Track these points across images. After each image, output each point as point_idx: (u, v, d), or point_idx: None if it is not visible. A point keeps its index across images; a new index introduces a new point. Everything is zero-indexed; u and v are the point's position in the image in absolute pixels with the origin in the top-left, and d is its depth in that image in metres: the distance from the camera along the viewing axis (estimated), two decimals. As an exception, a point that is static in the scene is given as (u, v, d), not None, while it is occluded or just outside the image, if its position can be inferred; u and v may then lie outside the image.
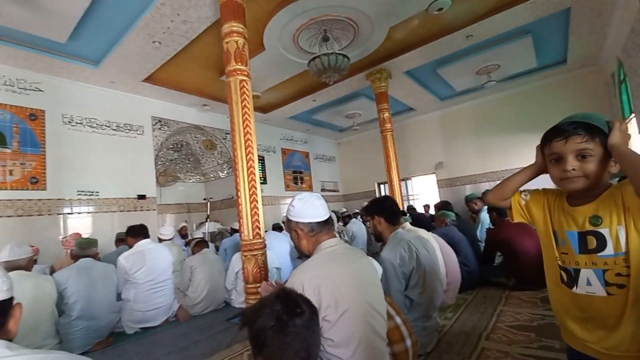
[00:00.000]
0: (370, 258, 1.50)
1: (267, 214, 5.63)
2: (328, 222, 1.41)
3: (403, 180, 8.02)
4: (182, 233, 6.36)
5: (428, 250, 2.18)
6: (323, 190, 9.33)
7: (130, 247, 3.27)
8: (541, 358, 1.85)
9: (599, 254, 0.97)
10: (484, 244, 3.74)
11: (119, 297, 3.09)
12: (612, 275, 0.96)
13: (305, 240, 1.39)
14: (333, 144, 10.16)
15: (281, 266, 3.87)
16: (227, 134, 6.86)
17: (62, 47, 4.01)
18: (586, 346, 1.03)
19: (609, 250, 0.95)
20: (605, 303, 0.97)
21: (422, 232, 2.47)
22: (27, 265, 2.52)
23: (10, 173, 4.13)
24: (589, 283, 1.00)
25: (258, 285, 2.83)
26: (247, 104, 3.05)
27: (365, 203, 2.56)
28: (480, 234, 4.45)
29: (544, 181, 1.21)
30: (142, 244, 3.23)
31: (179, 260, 4.00)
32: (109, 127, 5.13)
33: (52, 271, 3.38)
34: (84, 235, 4.01)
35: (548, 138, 1.03)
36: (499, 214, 3.48)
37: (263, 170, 7.61)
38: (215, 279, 3.57)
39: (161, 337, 2.88)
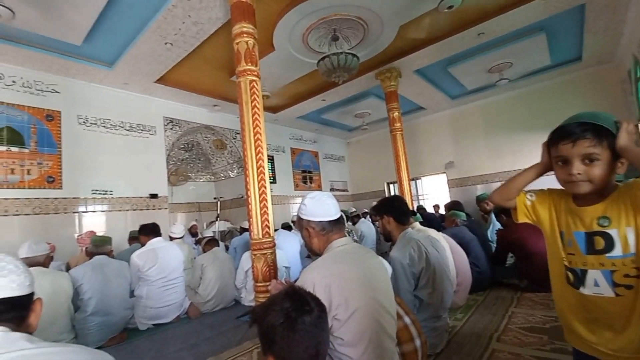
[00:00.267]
0: (381, 258, 1.50)
1: (277, 213, 5.67)
2: (339, 221, 1.41)
3: (413, 179, 7.96)
4: (192, 232, 6.45)
5: (438, 250, 2.17)
6: (332, 189, 9.33)
7: (143, 245, 3.33)
8: (554, 361, 1.82)
9: (607, 255, 0.96)
10: (495, 245, 3.69)
11: (132, 294, 3.15)
12: (621, 276, 0.94)
13: (316, 239, 1.40)
14: (342, 144, 10.15)
15: (290, 265, 3.89)
16: (237, 133, 6.92)
17: (78, 50, 4.11)
18: (593, 348, 1.01)
19: (618, 251, 0.94)
20: (613, 304, 0.96)
21: (432, 232, 2.45)
22: (45, 262, 2.60)
23: (28, 172, 4.26)
24: (596, 284, 0.98)
25: (267, 283, 2.86)
26: (257, 104, 3.08)
27: (375, 203, 2.55)
28: (491, 234, 4.40)
29: (547, 181, 1.19)
30: (154, 242, 3.29)
31: (190, 259, 4.06)
32: (122, 127, 5.24)
33: (68, 268, 3.47)
34: (98, 233, 4.11)
35: (555, 140, 1.01)
36: (508, 215, 3.43)
37: (272, 169, 7.66)
38: (226, 277, 3.61)
39: (173, 334, 2.93)
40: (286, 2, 3.63)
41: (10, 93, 4.23)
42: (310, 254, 1.48)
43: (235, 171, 7.77)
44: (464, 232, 3.36)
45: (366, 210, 7.20)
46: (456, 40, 4.68)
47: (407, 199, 5.42)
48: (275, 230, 3.55)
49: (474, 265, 3.07)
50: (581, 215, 1.01)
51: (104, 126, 5.03)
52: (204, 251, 3.85)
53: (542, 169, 1.11)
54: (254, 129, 3.04)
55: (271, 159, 7.67)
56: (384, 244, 5.18)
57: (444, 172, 8.12)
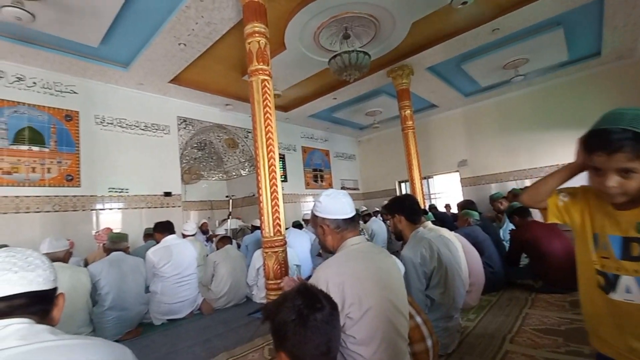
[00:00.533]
0: (395, 257, 1.50)
1: (288, 212, 5.71)
2: (354, 220, 1.41)
3: (425, 178, 7.89)
4: (203, 229, 6.54)
5: (450, 250, 2.14)
6: (343, 188, 9.31)
7: (157, 242, 3.41)
8: (569, 363, 1.78)
9: None
10: (509, 244, 3.63)
11: (147, 289, 3.23)
12: None
13: (330, 237, 1.40)
14: (353, 142, 10.12)
15: (301, 263, 3.91)
16: (249, 132, 6.98)
17: (95, 51, 4.22)
18: (620, 354, 0.99)
19: None
20: None
21: (445, 232, 2.43)
22: (65, 257, 2.69)
23: (49, 171, 4.40)
24: (628, 290, 0.94)
25: (279, 281, 2.88)
26: (268, 103, 3.10)
27: (386, 201, 2.54)
28: (504, 234, 4.32)
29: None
30: (169, 239, 3.36)
31: (202, 256, 4.12)
32: (137, 127, 5.35)
33: (86, 264, 3.58)
34: (115, 230, 4.22)
35: (590, 148, 0.92)
36: (520, 215, 3.37)
37: (284, 168, 7.70)
38: (237, 274, 3.65)
39: (186, 329, 3.00)
40: (297, 1, 3.64)
41: (31, 94, 4.38)
42: (324, 251, 1.48)
43: (246, 170, 7.85)
44: (477, 232, 3.31)
45: (377, 209, 7.17)
46: (470, 37, 4.60)
47: (419, 197, 5.37)
48: (286, 228, 3.57)
49: (487, 266, 3.02)
50: (618, 219, 0.96)
51: (120, 126, 5.15)
52: (217, 248, 3.91)
53: (577, 170, 1.05)
54: (266, 127, 3.07)
55: (282, 158, 7.71)
56: (395, 243, 5.15)
57: (457, 171, 8.01)
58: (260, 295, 3.52)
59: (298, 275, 3.55)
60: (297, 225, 5.30)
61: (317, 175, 8.69)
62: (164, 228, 3.44)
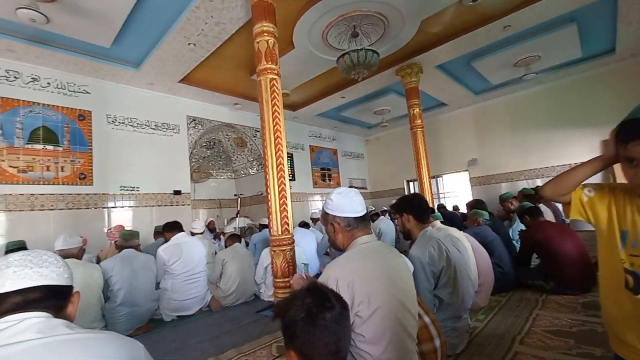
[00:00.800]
0: (404, 257, 1.49)
1: (295, 211, 5.72)
2: (365, 219, 1.40)
3: (433, 177, 7.82)
4: (210, 227, 6.60)
5: (459, 250, 2.13)
6: (351, 187, 9.27)
7: (167, 240, 3.46)
8: (581, 366, 1.75)
9: None
10: (519, 245, 3.58)
11: (157, 286, 3.28)
12: None
13: (340, 235, 1.40)
14: (361, 141, 10.09)
15: (308, 262, 3.93)
16: (257, 131, 7.02)
17: (107, 52, 4.29)
18: None
19: None
20: None
21: (453, 231, 2.41)
22: (78, 254, 2.75)
23: (62, 169, 4.50)
24: None
25: (286, 279, 2.90)
26: (277, 102, 3.11)
27: (394, 201, 2.53)
28: (513, 233, 4.26)
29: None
30: (179, 237, 3.41)
31: (211, 253, 4.17)
32: (148, 126, 5.43)
33: (98, 260, 3.65)
34: (126, 228, 4.29)
35: (625, 137, 0.87)
36: (532, 215, 3.32)
37: (292, 167, 7.72)
38: (246, 272, 3.68)
39: (195, 326, 3.03)
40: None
41: (45, 94, 4.48)
42: (334, 249, 1.48)
43: (255, 168, 7.90)
44: (487, 232, 3.27)
45: (385, 208, 7.14)
46: (480, 34, 4.54)
47: (428, 197, 5.34)
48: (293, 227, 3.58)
49: (497, 266, 2.99)
50: None
51: (131, 125, 5.23)
52: (226, 246, 3.94)
53: (606, 164, 1.00)
54: (274, 126, 3.08)
55: (290, 157, 7.73)
56: (403, 242, 5.12)
57: (467, 170, 7.93)
58: (268, 293, 3.54)
59: (306, 272, 3.56)
60: (304, 224, 5.31)
61: (325, 174, 8.69)
62: (173, 227, 3.49)
